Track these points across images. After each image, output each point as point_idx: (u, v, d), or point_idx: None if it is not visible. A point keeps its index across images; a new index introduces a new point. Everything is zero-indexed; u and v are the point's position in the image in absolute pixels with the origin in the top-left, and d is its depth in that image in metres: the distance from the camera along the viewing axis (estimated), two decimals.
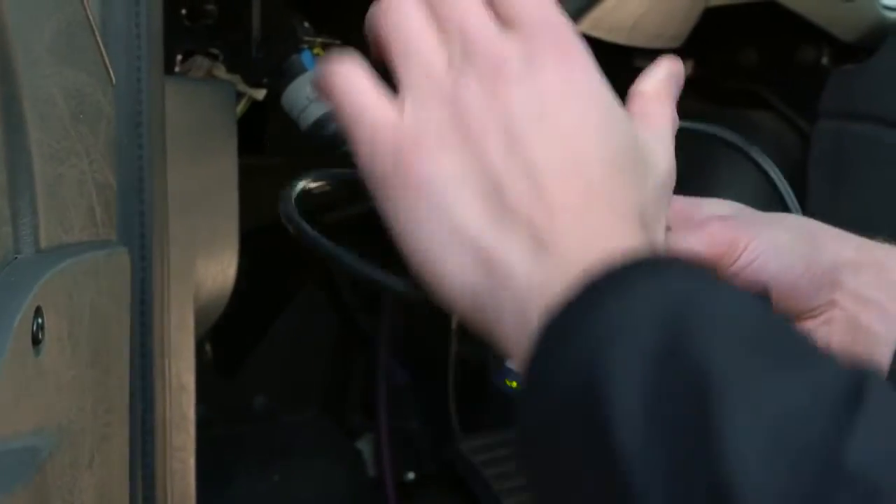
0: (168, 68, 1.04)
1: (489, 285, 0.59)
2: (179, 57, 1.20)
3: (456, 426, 1.84)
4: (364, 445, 1.85)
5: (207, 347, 1.61)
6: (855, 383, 0.53)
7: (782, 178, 0.86)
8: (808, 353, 0.56)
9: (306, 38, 1.20)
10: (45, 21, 0.74)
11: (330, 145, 1.19)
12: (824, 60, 1.78)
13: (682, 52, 1.64)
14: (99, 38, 0.82)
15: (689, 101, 1.83)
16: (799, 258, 0.79)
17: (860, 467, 0.50)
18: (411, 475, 1.87)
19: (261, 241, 1.37)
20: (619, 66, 1.73)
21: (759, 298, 0.69)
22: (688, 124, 0.79)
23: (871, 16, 1.74)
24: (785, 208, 0.91)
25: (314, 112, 1.18)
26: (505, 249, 0.59)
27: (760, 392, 0.53)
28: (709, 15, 1.56)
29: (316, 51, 1.20)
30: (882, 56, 1.65)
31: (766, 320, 0.57)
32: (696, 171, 1.63)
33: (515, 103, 0.60)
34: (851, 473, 0.50)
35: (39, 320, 0.68)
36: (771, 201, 0.91)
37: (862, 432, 0.51)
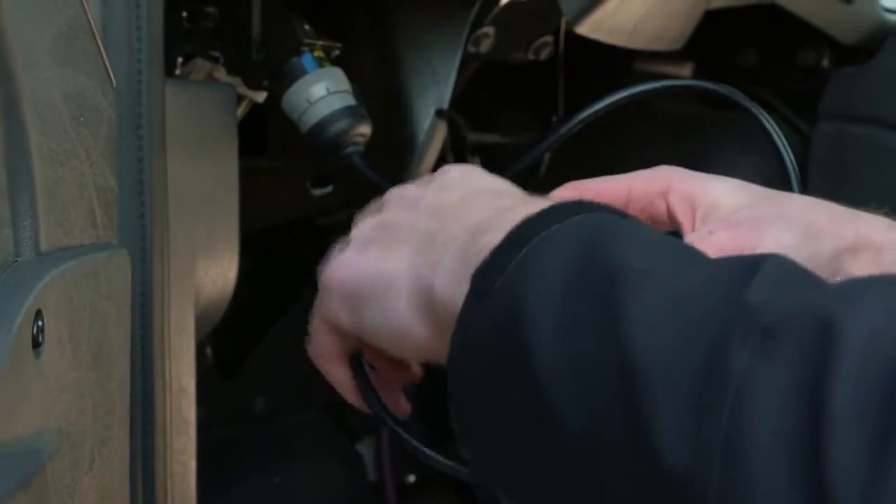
0: (168, 71, 1.04)
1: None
2: (180, 59, 1.20)
3: (457, 428, 1.84)
4: (365, 448, 1.85)
5: (208, 350, 1.61)
6: (752, 263, 0.57)
7: (784, 142, 0.87)
8: (711, 258, 0.61)
9: (307, 41, 1.20)
10: (46, 23, 0.74)
11: (331, 148, 1.19)
12: (824, 62, 1.78)
13: (682, 54, 1.64)
14: (99, 41, 0.82)
15: (690, 103, 1.83)
16: (805, 260, 0.79)
17: (758, 310, 0.53)
18: (412, 478, 1.87)
19: (261, 244, 1.37)
20: (620, 68, 1.73)
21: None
22: (695, 83, 0.80)
23: (871, 18, 1.74)
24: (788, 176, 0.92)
25: (315, 114, 1.18)
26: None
27: (662, 277, 0.57)
28: (709, 17, 1.56)
29: (317, 53, 1.20)
30: (882, 58, 1.65)
31: (674, 240, 0.64)
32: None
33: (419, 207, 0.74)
34: (750, 315, 0.53)
35: (39, 323, 0.68)
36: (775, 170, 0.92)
37: (759, 287, 0.54)
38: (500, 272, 0.63)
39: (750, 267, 0.56)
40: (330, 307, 0.76)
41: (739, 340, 0.52)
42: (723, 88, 0.94)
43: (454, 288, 0.66)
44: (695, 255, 0.61)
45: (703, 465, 0.51)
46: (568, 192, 0.83)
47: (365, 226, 0.75)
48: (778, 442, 0.50)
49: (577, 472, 0.58)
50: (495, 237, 0.64)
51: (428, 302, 0.69)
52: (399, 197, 0.75)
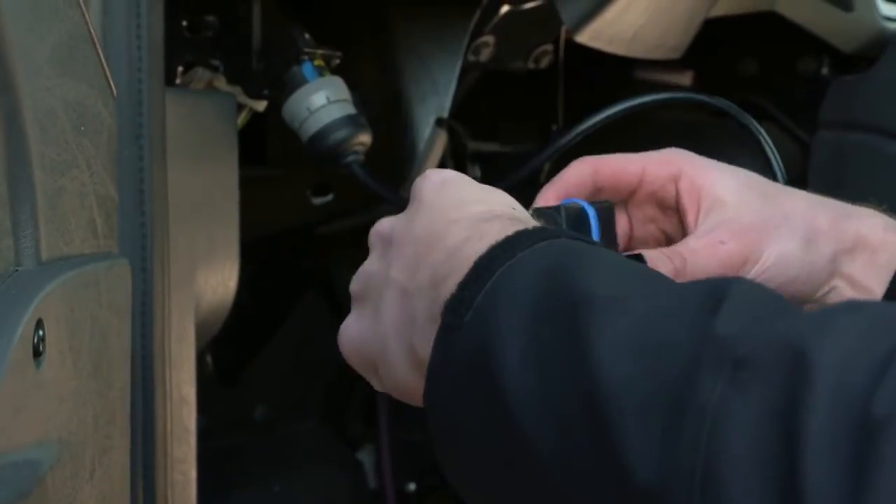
0: (169, 80, 1.05)
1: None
2: (180, 69, 1.20)
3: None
4: (365, 456, 1.85)
5: (208, 358, 1.61)
6: (718, 290, 0.57)
7: (778, 157, 0.87)
8: (675, 282, 0.61)
9: (307, 50, 1.20)
10: (46, 33, 0.75)
11: (330, 156, 1.19)
12: (824, 71, 1.78)
13: (682, 62, 1.64)
14: (100, 50, 0.82)
15: (690, 111, 1.83)
16: (805, 265, 0.82)
17: (728, 341, 0.53)
18: (412, 486, 1.87)
19: (261, 252, 1.37)
20: (619, 76, 1.73)
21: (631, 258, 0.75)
22: (692, 96, 0.80)
23: (870, 26, 1.74)
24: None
25: (315, 123, 1.19)
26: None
27: (626, 302, 0.58)
28: (709, 25, 1.56)
29: (317, 62, 1.20)
30: (882, 66, 1.65)
31: (637, 265, 0.64)
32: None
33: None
34: (720, 346, 0.53)
35: (40, 332, 0.68)
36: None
37: (727, 316, 0.55)
38: (469, 306, 0.63)
39: (716, 294, 0.56)
40: (361, 373, 0.77)
41: (710, 371, 0.53)
42: (720, 102, 0.94)
43: (429, 341, 0.66)
44: (659, 280, 0.62)
45: (680, 493, 0.52)
46: (585, 166, 0.83)
47: (357, 281, 0.75)
48: (756, 471, 0.51)
49: (548, 494, 0.59)
50: (458, 279, 0.65)
51: (416, 359, 0.69)
52: (377, 236, 0.75)
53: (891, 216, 0.84)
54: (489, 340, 0.61)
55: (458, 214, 0.69)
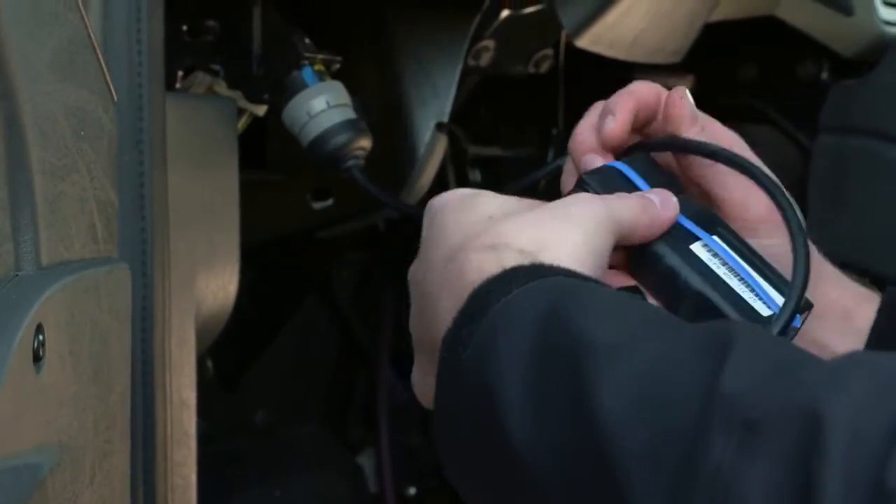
0: (169, 85, 1.05)
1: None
2: (181, 73, 1.20)
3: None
4: (365, 460, 1.85)
5: (209, 363, 1.61)
6: (723, 340, 0.56)
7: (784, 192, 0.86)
8: (676, 323, 0.60)
9: (307, 55, 1.20)
10: (46, 38, 0.75)
11: (331, 161, 1.19)
12: (824, 75, 1.78)
13: (682, 66, 1.64)
14: (100, 55, 0.82)
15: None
16: None
17: (736, 401, 0.53)
18: (413, 490, 1.87)
19: (262, 257, 1.37)
20: (620, 81, 1.73)
21: (630, 293, 0.73)
22: (692, 143, 0.79)
23: (870, 30, 1.74)
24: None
25: (315, 128, 1.19)
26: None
27: (629, 351, 0.57)
28: (709, 30, 1.56)
29: (317, 67, 1.20)
30: (882, 71, 1.65)
31: (636, 303, 0.64)
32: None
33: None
34: (728, 406, 0.53)
35: (40, 337, 0.68)
36: None
37: (734, 373, 0.54)
38: (466, 345, 0.63)
39: (721, 342, 0.56)
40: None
41: (720, 432, 0.52)
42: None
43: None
44: (659, 321, 0.61)
45: None
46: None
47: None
48: None
49: None
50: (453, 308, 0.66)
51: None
52: (412, 276, 0.76)
53: (869, 287, 0.82)
54: (489, 382, 0.61)
55: (478, 215, 0.70)
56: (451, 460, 0.66)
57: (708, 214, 0.79)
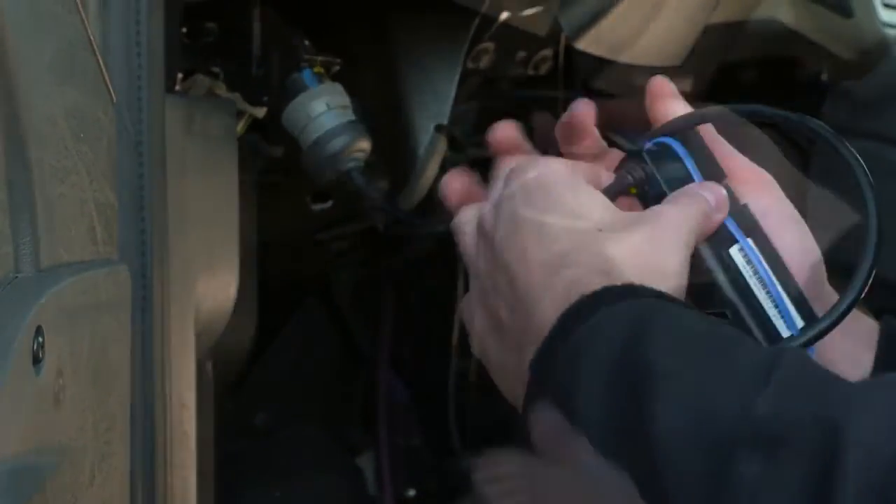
0: (168, 87, 1.04)
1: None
2: (180, 75, 1.20)
3: (456, 442, 1.84)
4: (365, 462, 1.85)
5: (208, 365, 1.61)
6: (772, 357, 0.62)
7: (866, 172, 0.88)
8: (733, 346, 0.66)
9: (307, 57, 1.20)
10: (46, 40, 0.75)
11: (331, 163, 1.19)
12: (824, 77, 1.78)
13: (681, 69, 1.64)
14: (99, 57, 0.82)
15: None
16: None
17: (765, 420, 0.58)
18: (412, 492, 1.87)
19: (261, 259, 1.37)
20: (619, 83, 1.73)
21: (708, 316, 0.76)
22: (774, 112, 0.81)
23: (870, 32, 1.74)
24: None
25: (315, 130, 1.19)
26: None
27: (686, 381, 0.63)
28: (708, 32, 1.56)
29: (316, 69, 1.20)
30: (882, 72, 1.66)
31: (707, 327, 0.68)
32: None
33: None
34: (757, 425, 0.58)
35: (40, 339, 0.68)
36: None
37: (770, 393, 0.59)
38: (553, 361, 0.70)
39: (769, 365, 0.61)
40: None
41: (748, 448, 0.57)
42: (810, 122, 0.93)
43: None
44: (721, 349, 0.66)
45: None
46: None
47: (471, 298, 0.82)
48: None
49: None
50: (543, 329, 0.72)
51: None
52: (473, 227, 0.83)
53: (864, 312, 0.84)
54: (573, 400, 0.67)
55: (576, 204, 0.77)
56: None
57: (742, 210, 0.80)
